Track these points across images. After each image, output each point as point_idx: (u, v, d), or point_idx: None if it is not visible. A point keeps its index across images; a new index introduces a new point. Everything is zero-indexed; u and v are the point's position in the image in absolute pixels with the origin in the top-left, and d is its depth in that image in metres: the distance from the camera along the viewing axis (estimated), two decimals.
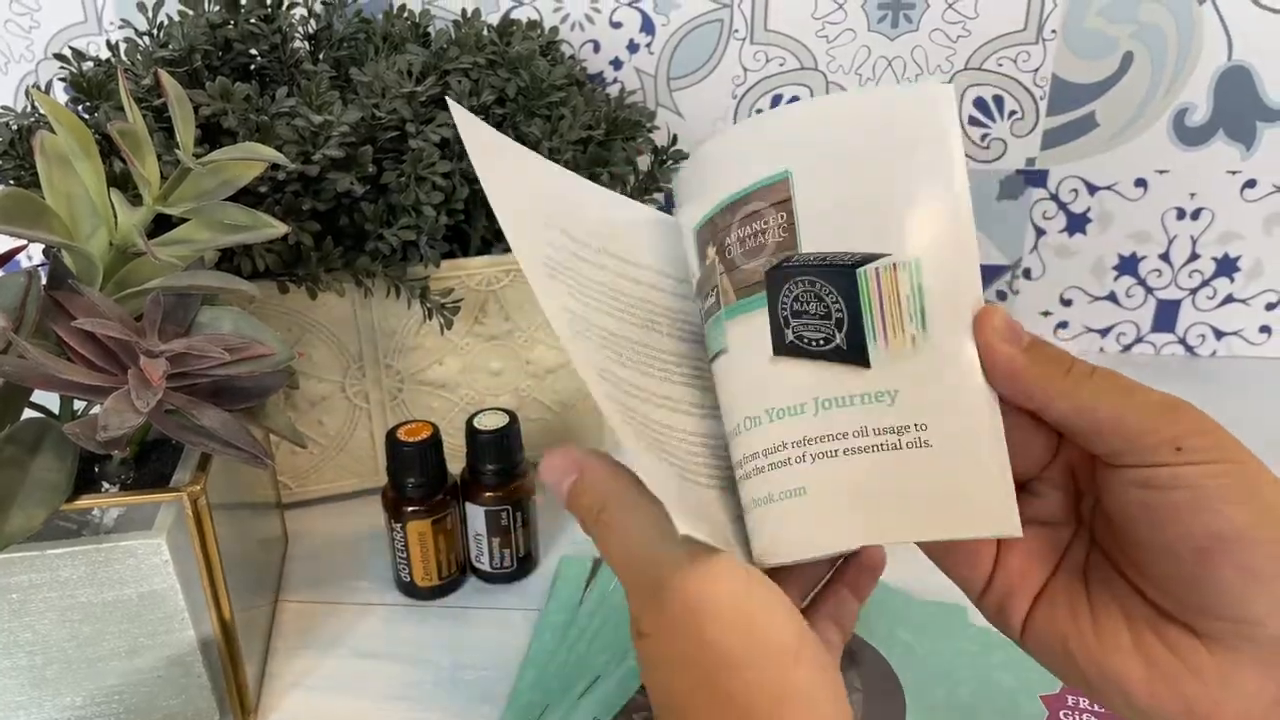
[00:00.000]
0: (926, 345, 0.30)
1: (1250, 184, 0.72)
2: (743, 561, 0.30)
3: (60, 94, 0.71)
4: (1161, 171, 0.73)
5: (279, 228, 0.42)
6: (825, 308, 0.31)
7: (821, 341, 0.31)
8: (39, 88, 0.66)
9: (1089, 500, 0.33)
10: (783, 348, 0.31)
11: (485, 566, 0.54)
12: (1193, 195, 0.73)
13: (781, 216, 0.32)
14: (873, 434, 0.30)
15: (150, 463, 0.43)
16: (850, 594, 0.37)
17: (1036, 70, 0.70)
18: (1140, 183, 0.73)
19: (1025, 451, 0.32)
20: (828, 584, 0.37)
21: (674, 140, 0.63)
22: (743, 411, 0.33)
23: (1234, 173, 0.72)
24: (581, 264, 0.36)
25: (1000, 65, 0.70)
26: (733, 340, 0.33)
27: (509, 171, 0.36)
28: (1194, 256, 0.75)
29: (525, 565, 0.55)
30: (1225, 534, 0.28)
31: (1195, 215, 0.74)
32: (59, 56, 0.53)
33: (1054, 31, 0.69)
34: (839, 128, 0.31)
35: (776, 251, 0.32)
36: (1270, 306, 0.77)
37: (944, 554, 0.34)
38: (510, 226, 0.33)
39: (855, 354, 0.30)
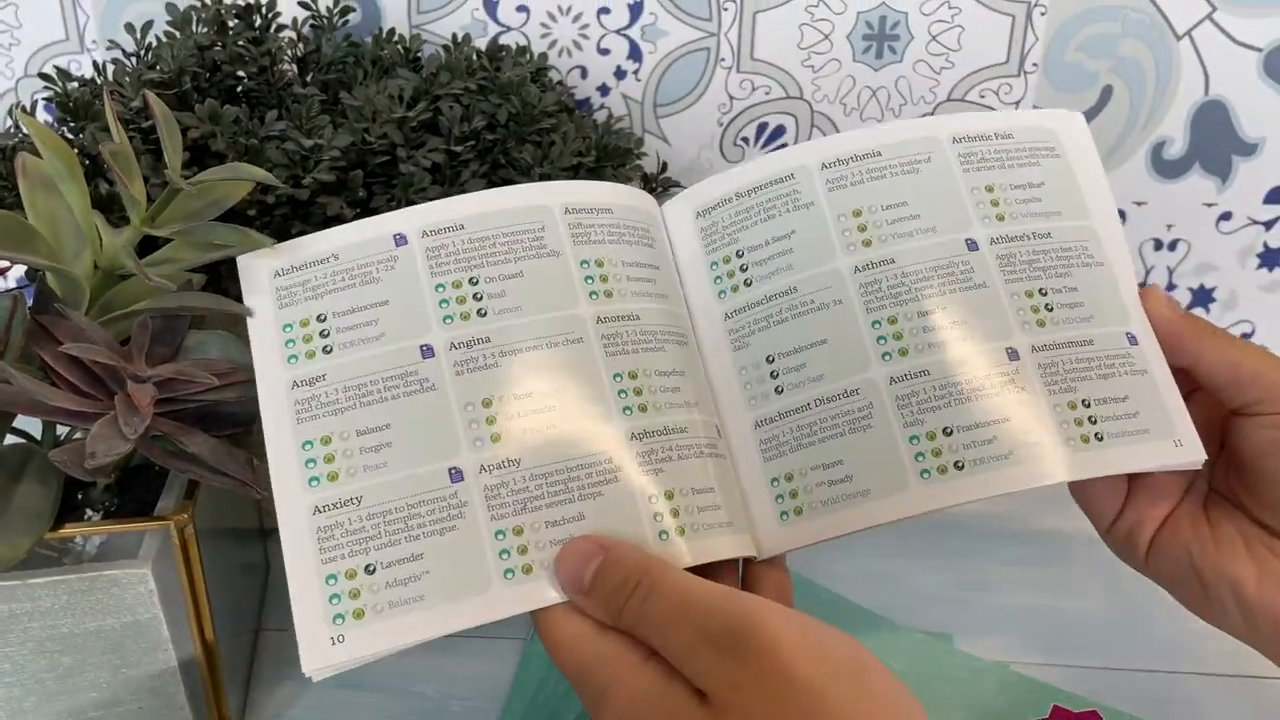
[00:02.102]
0: None
1: (1226, 216, 0.73)
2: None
3: (42, 113, 0.70)
4: (1139, 203, 0.74)
5: (268, 243, 0.42)
6: None
7: None
8: (21, 107, 0.65)
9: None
10: None
11: None
12: (1170, 227, 0.74)
13: None
14: None
15: (133, 488, 0.43)
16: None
17: (1018, 102, 0.71)
18: (1119, 214, 0.74)
19: None
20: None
21: (664, 168, 0.63)
22: None
23: (1210, 205, 0.73)
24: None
25: (982, 97, 0.71)
26: None
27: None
28: (1171, 287, 0.76)
29: None
30: None
31: (1172, 246, 0.75)
32: (44, 76, 0.53)
33: (1035, 65, 0.70)
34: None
35: None
36: (1245, 337, 0.78)
37: (1084, 487, 0.42)
38: None
39: None
